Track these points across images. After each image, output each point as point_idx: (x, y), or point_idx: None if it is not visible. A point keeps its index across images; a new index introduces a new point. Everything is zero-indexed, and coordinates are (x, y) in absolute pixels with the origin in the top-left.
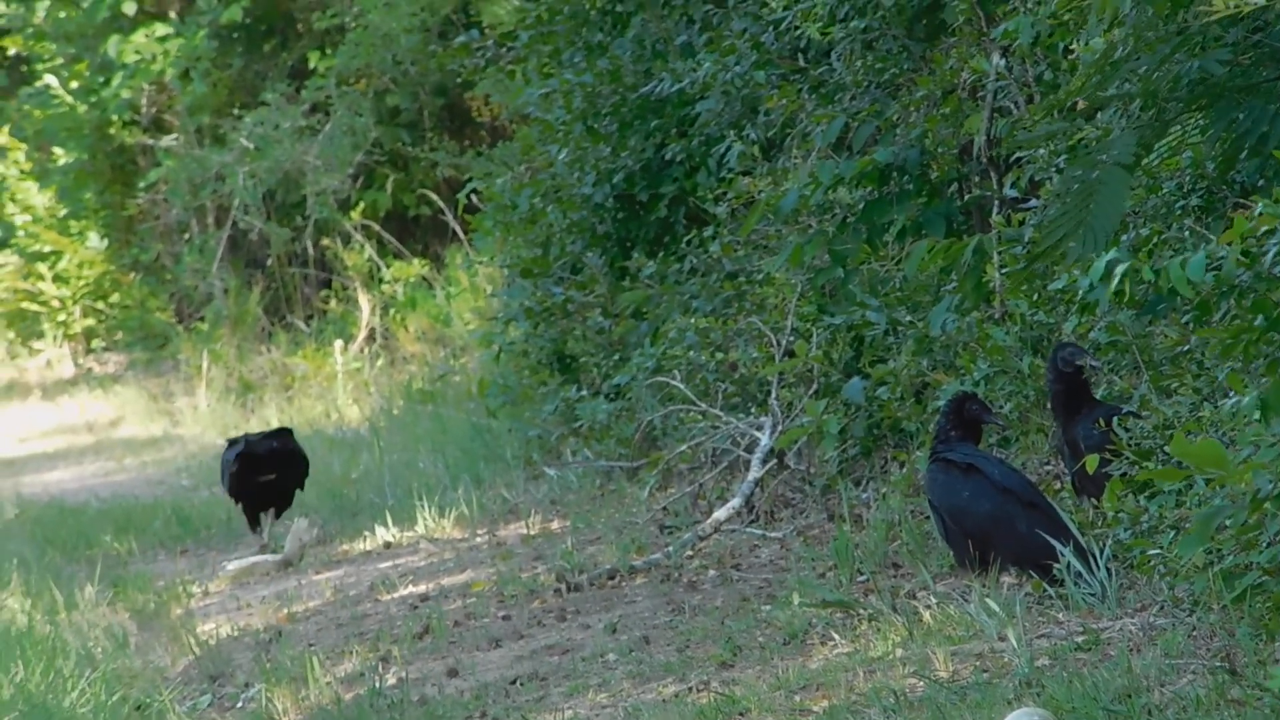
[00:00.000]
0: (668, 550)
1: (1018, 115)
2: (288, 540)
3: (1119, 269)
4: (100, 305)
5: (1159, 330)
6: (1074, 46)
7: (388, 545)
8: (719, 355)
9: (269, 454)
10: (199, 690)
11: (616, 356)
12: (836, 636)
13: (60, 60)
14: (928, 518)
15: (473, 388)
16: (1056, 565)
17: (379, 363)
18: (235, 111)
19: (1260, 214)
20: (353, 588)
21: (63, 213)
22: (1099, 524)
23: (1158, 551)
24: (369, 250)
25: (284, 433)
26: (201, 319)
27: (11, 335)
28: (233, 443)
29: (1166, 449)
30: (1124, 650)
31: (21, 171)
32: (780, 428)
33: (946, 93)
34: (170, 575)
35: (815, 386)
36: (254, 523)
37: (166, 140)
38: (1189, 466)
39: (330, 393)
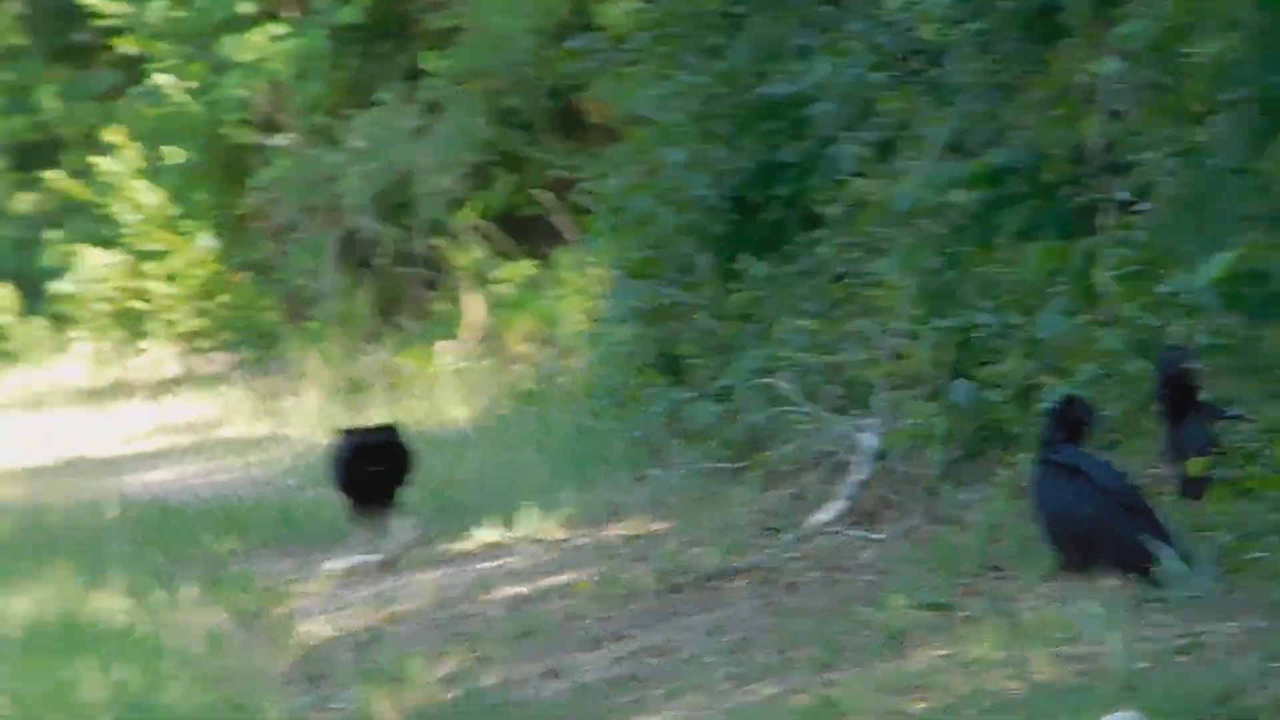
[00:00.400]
0: (769, 552)
1: (1132, 118)
2: (389, 541)
3: (1228, 256)
4: (209, 305)
5: (1267, 335)
6: (1190, 50)
7: (489, 546)
8: (827, 357)
9: (379, 446)
10: (298, 691)
11: (724, 358)
12: (936, 639)
13: (174, 60)
14: (1031, 521)
15: (579, 389)
16: (1158, 568)
17: (486, 363)
18: (348, 112)
19: None
20: (453, 589)
21: (173, 212)
22: (1202, 527)
23: (1262, 555)
24: (479, 251)
25: (391, 428)
26: (310, 319)
27: (119, 334)
28: (343, 433)
29: (1269, 452)
30: (1224, 653)
31: (133, 170)
32: (886, 430)
33: (1061, 95)
34: (272, 575)
35: (923, 389)
36: (358, 518)
37: (279, 140)
38: None
39: (436, 393)
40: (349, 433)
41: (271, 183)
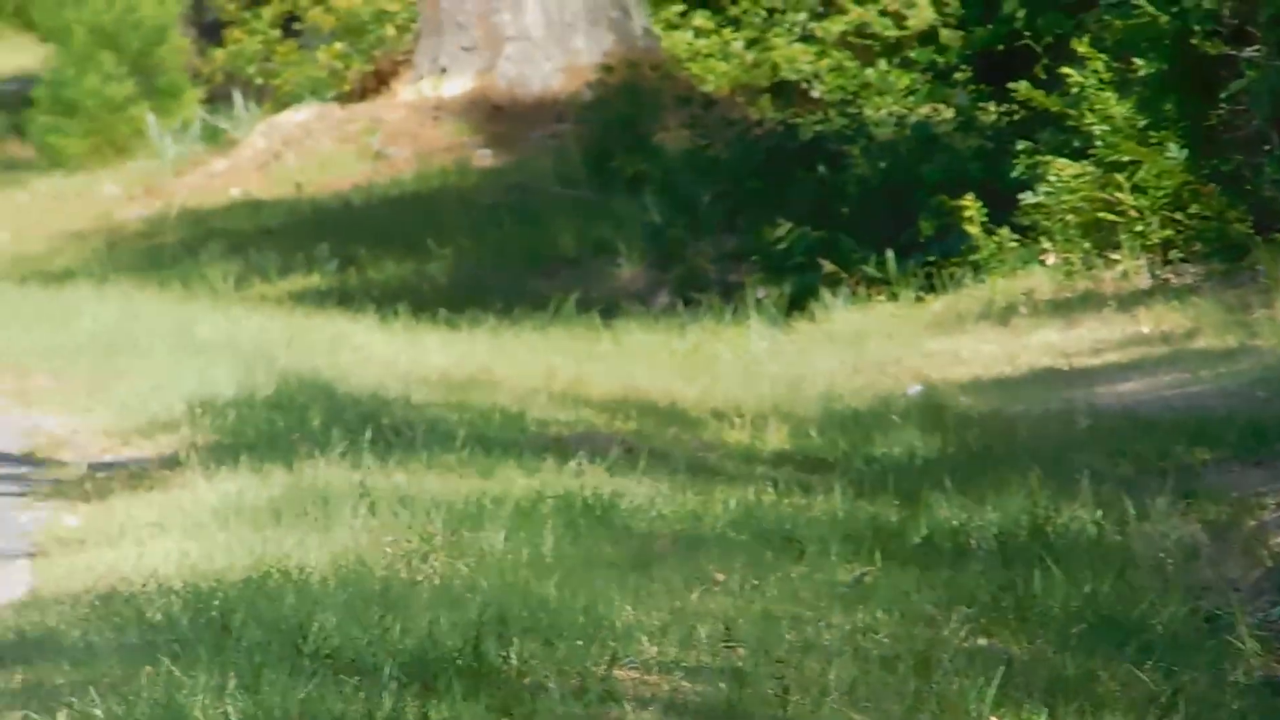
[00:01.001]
0: None
1: None
2: None
3: None
4: (1178, 216)
5: None
6: None
7: None
8: None
9: None
10: (1270, 602)
11: None
12: None
13: None
14: None
15: None
16: None
17: None
18: None
19: None
20: None
21: (1142, 123)
22: None
23: None
24: None
25: None
26: None
27: (1087, 245)
28: None
29: None
30: None
31: (1101, 81)
32: None
33: None
34: (1243, 487)
35: None
36: None
37: (1248, 51)
38: None
39: None
40: None
41: (1240, 94)
